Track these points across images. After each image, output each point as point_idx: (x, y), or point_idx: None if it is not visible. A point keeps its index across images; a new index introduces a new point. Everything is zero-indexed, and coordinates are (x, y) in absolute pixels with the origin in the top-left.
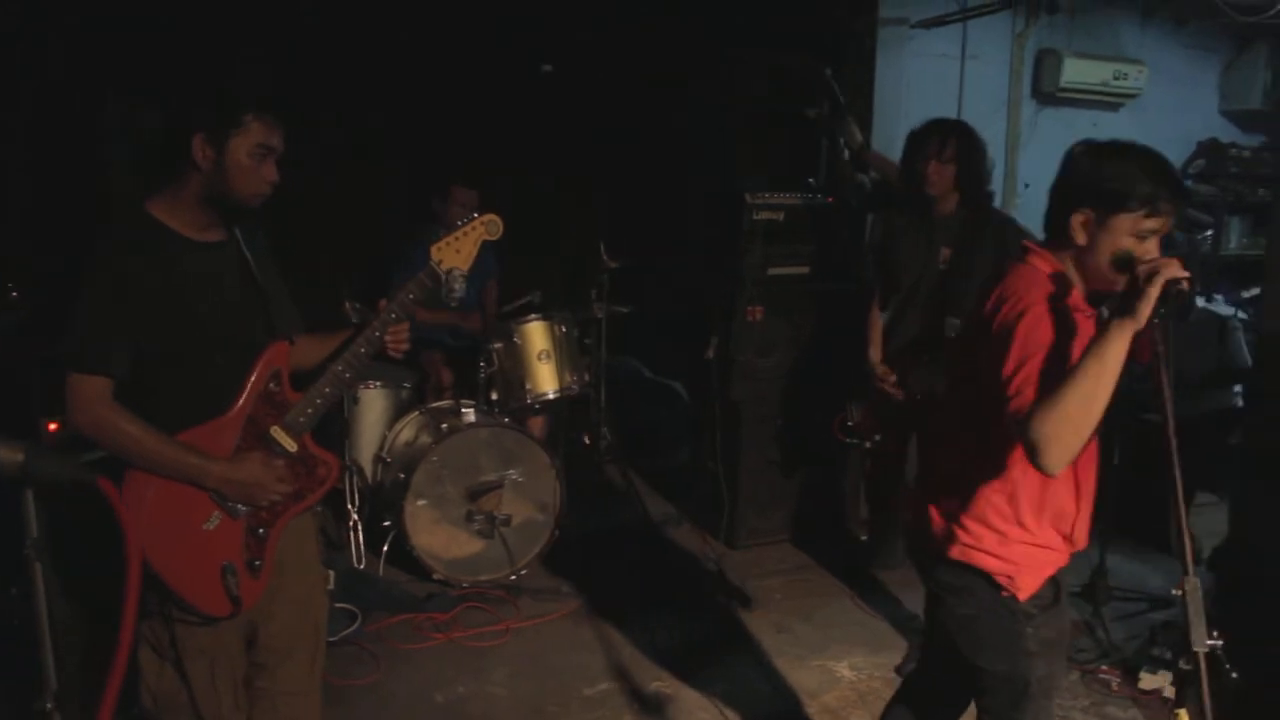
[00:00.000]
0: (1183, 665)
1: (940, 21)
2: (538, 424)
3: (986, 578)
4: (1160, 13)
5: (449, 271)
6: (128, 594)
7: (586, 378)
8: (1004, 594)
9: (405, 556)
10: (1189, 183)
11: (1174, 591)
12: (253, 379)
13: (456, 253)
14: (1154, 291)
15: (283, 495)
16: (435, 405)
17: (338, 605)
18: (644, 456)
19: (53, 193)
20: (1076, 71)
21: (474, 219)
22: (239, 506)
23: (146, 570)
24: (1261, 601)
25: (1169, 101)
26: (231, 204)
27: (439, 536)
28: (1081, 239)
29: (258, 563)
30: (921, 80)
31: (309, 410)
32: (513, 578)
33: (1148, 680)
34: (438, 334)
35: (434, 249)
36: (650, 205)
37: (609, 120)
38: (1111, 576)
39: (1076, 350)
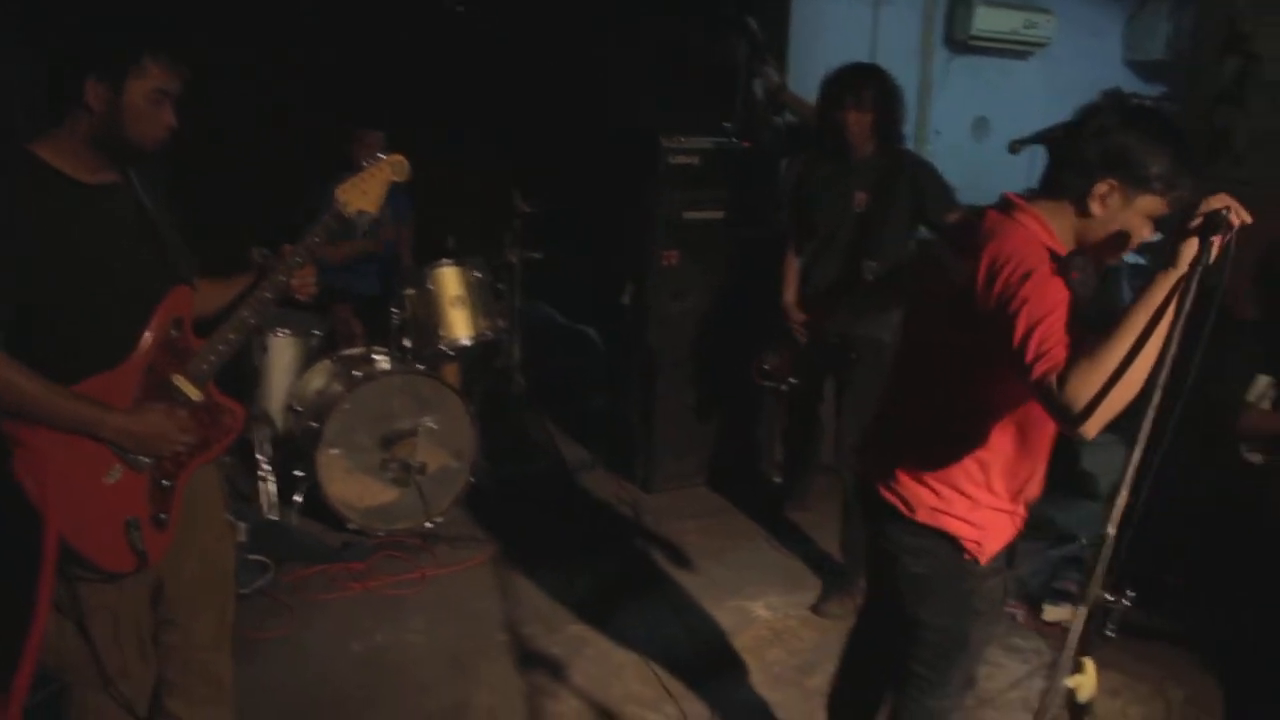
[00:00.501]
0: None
1: None
2: (452, 371)
3: (952, 541)
4: None
5: (357, 213)
6: (44, 557)
7: (501, 324)
8: (966, 558)
9: (319, 506)
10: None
11: (1081, 542)
12: (153, 326)
13: (364, 194)
14: (1194, 239)
15: (186, 446)
16: (347, 353)
17: (250, 557)
18: (558, 403)
19: None
20: (988, 19)
21: (380, 160)
22: (141, 459)
23: (50, 532)
24: (1152, 536)
25: (1076, 51)
26: (126, 148)
27: (353, 485)
28: (1099, 209)
29: (163, 516)
30: (836, 25)
31: (212, 357)
32: (429, 525)
33: (1051, 613)
34: (348, 279)
35: (339, 191)
36: (564, 149)
37: (522, 61)
38: None
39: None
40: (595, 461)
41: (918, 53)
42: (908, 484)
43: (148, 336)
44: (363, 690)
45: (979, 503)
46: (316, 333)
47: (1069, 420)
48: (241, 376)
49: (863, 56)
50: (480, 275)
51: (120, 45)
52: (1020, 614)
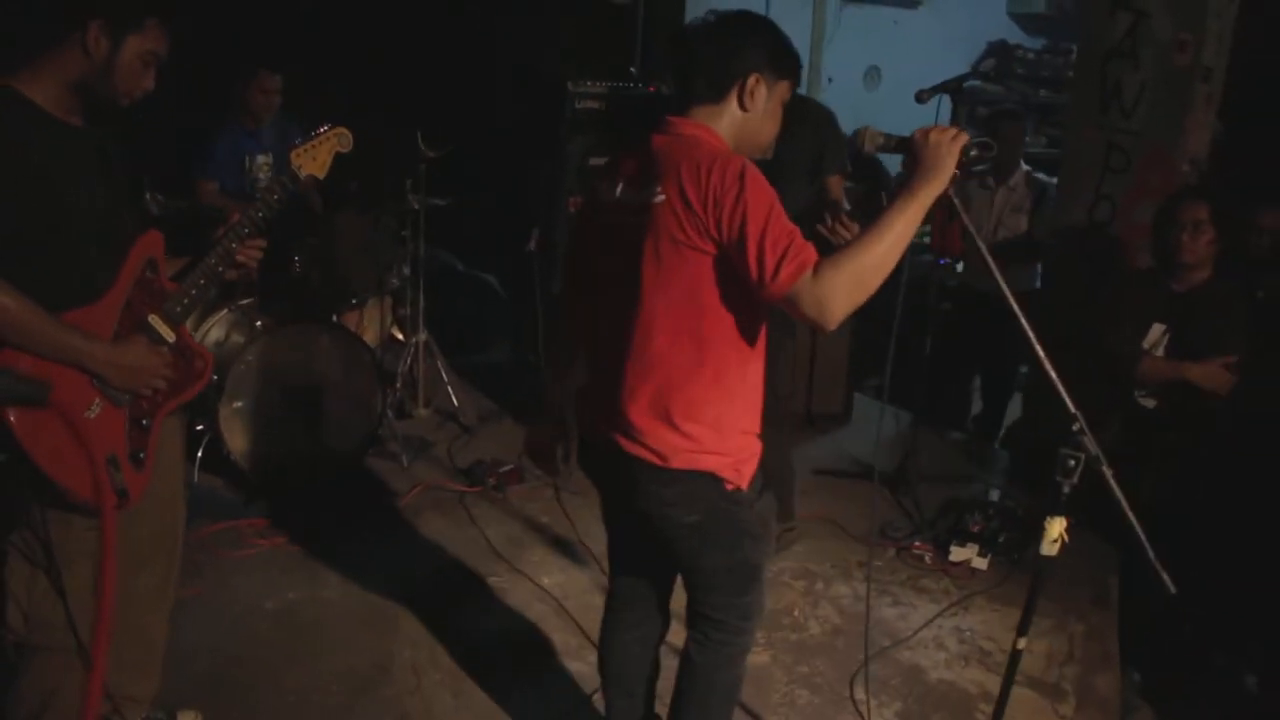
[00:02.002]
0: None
1: None
2: (354, 319)
3: (711, 477)
4: None
5: (308, 178)
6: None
7: (405, 271)
8: (729, 488)
9: (222, 462)
10: (979, 83)
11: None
12: (129, 264)
13: (313, 160)
14: (956, 150)
15: (166, 383)
16: (246, 302)
17: None
18: (460, 352)
19: None
20: None
21: (329, 128)
22: (121, 394)
23: (26, 465)
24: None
25: (963, 2)
26: (103, 100)
27: (256, 439)
28: (749, 102)
29: (141, 454)
30: None
31: (185, 300)
32: (337, 479)
33: (957, 553)
34: None
35: (294, 155)
36: (467, 94)
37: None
38: (919, 458)
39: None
40: (501, 411)
41: (810, 2)
42: (653, 433)
43: (125, 274)
44: (282, 649)
45: (726, 431)
46: (218, 284)
47: (816, 312)
48: None
49: (757, 5)
50: (382, 221)
51: (137, 1)
52: (928, 555)
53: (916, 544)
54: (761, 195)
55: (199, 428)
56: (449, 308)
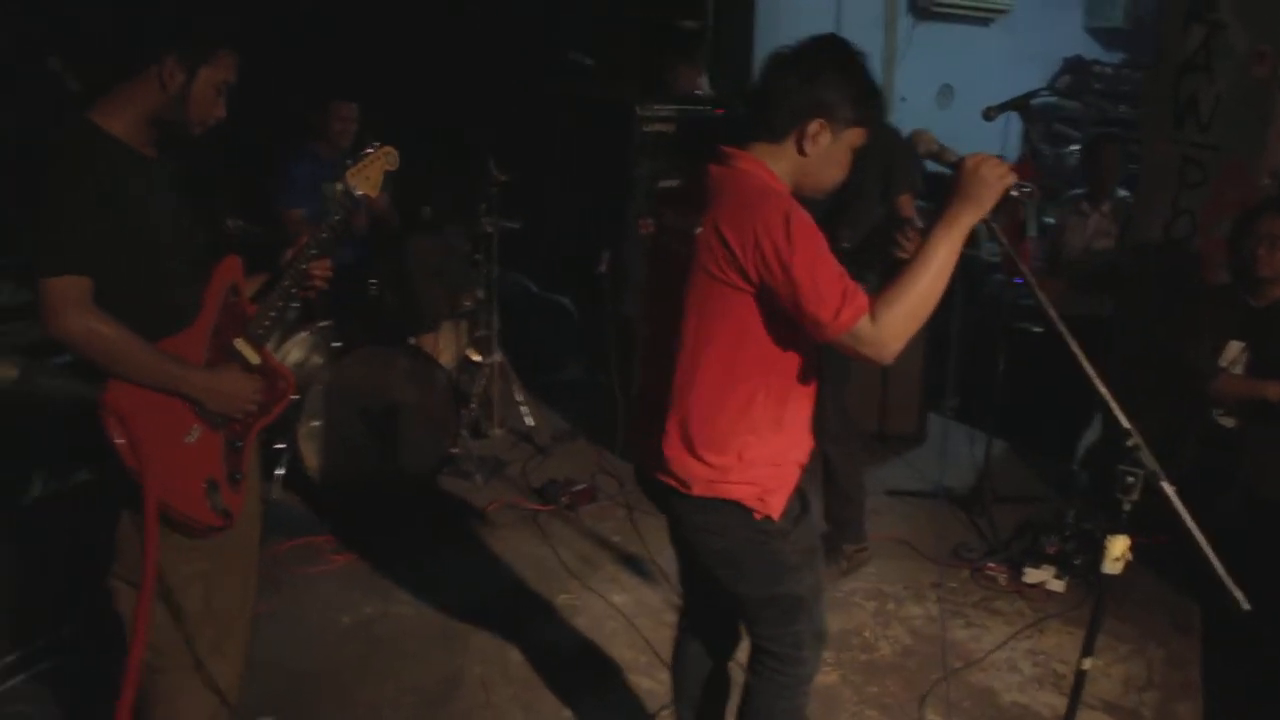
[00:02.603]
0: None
1: None
2: (430, 341)
3: (738, 506)
4: None
5: (363, 196)
6: (147, 531)
7: (478, 293)
8: (757, 517)
9: (301, 479)
10: (1054, 99)
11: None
12: (214, 290)
13: (366, 179)
14: (1001, 189)
15: (258, 406)
16: (325, 324)
17: None
18: (535, 373)
19: None
20: None
21: (378, 147)
22: (218, 418)
23: (135, 493)
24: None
25: (1037, 18)
26: (175, 128)
27: (334, 458)
28: (810, 147)
29: (239, 476)
30: None
31: (265, 323)
32: (412, 497)
33: (1032, 575)
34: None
35: (348, 175)
36: (539, 118)
37: (497, 29)
38: (994, 479)
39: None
40: (574, 431)
41: (882, 21)
42: (678, 460)
43: (211, 299)
44: (355, 663)
45: (752, 461)
46: (295, 305)
47: (881, 353)
48: None
49: (827, 24)
50: (456, 245)
51: (205, 31)
52: (1002, 577)
53: (991, 565)
54: (808, 240)
55: (279, 446)
56: (524, 329)
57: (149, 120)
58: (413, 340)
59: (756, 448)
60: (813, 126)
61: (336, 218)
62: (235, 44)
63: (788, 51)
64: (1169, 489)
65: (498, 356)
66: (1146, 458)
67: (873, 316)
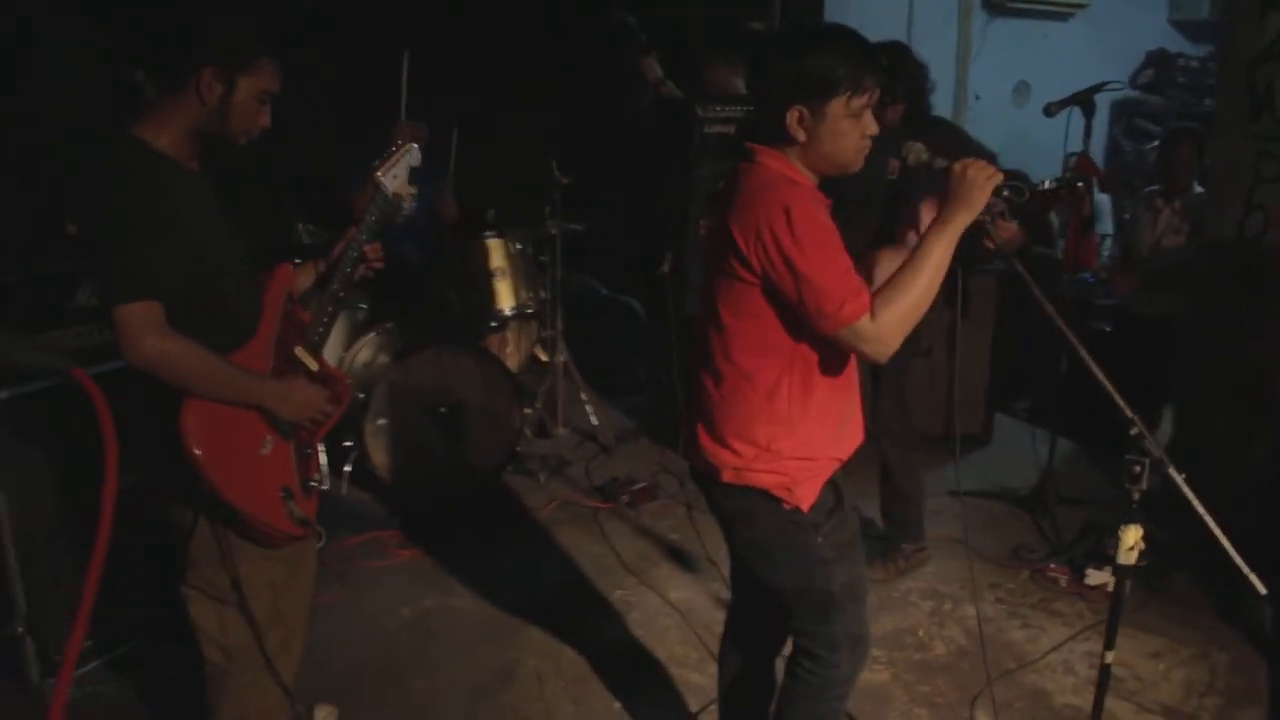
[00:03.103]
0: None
1: None
2: (495, 341)
3: (765, 494)
4: None
5: (395, 193)
6: (104, 501)
7: (542, 295)
8: (786, 507)
9: (367, 476)
10: (1137, 92)
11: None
12: (271, 301)
13: (395, 178)
14: (989, 188)
15: (325, 412)
16: (390, 325)
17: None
18: (601, 373)
19: None
20: None
21: (399, 144)
22: (288, 428)
23: (219, 504)
24: (1205, 500)
25: (1118, 12)
26: (219, 141)
27: (399, 455)
28: (801, 135)
29: (311, 482)
30: None
31: (320, 329)
32: (475, 494)
33: (1094, 577)
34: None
35: (378, 173)
36: (602, 120)
37: (560, 36)
38: (1059, 478)
39: (838, 239)
40: (638, 431)
41: (955, 17)
42: (710, 447)
43: (270, 310)
44: (412, 654)
45: (779, 453)
46: (362, 306)
47: (871, 348)
48: None
49: (899, 21)
50: (521, 247)
51: (241, 41)
52: (1063, 579)
53: (1051, 566)
54: (813, 233)
55: (347, 444)
56: (591, 331)
57: (192, 134)
58: (478, 341)
59: (784, 438)
60: (791, 117)
61: (372, 218)
62: (275, 49)
63: (752, 58)
64: (1178, 477)
65: (562, 357)
66: (1152, 445)
67: (872, 314)
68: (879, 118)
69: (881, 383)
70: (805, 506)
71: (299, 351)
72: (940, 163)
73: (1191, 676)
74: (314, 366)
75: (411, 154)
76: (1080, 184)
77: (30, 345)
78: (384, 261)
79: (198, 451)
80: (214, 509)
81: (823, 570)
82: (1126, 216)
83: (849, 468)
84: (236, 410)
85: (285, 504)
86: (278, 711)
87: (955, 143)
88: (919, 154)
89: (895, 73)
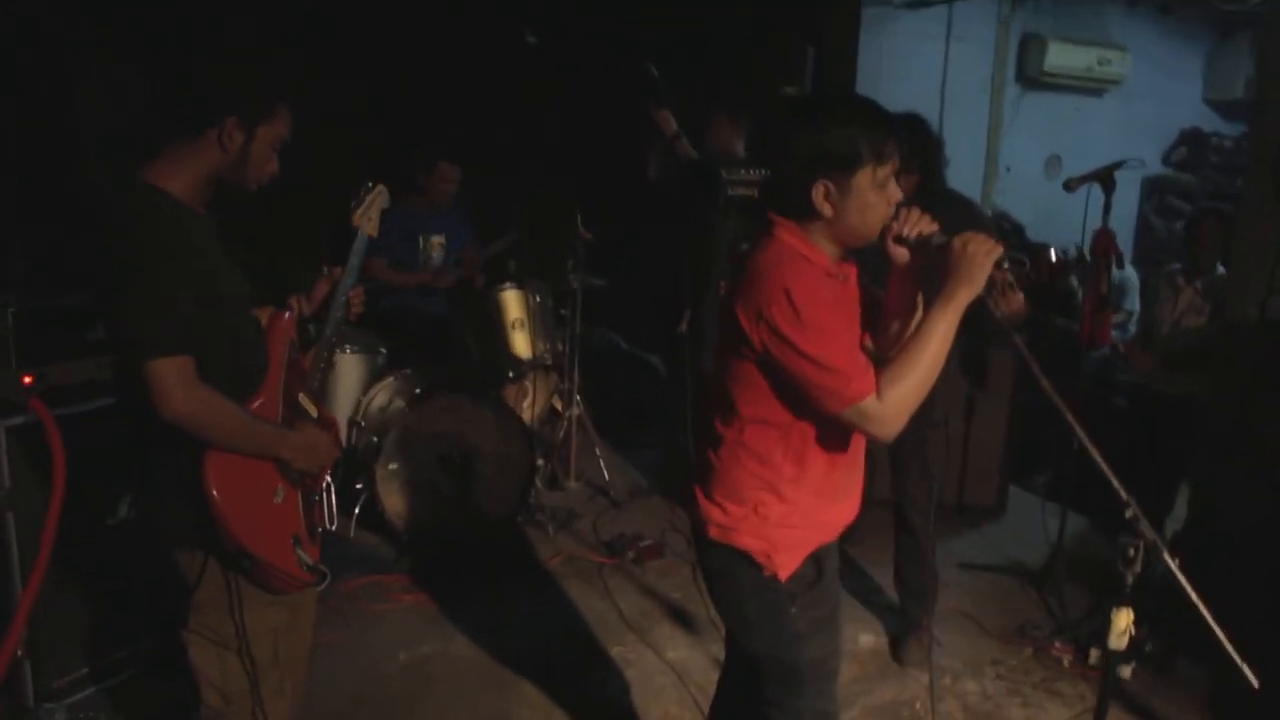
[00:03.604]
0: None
1: (926, 2)
2: (511, 392)
3: (747, 557)
4: None
5: (367, 238)
6: (46, 527)
7: (560, 347)
8: (765, 574)
9: (376, 519)
10: (1170, 170)
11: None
12: (276, 348)
13: (369, 220)
14: (989, 263)
15: (335, 460)
16: (409, 371)
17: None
18: (618, 428)
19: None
20: (1061, 56)
21: (371, 187)
22: (296, 476)
23: (239, 553)
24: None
25: (1153, 88)
26: (233, 188)
27: (409, 500)
28: (828, 210)
29: (319, 529)
30: (906, 61)
31: (318, 376)
32: (483, 543)
33: (1098, 658)
34: (415, 301)
35: (355, 216)
36: (626, 178)
37: (587, 92)
38: (1070, 555)
39: (848, 315)
40: (650, 488)
41: (989, 88)
42: (702, 503)
43: (275, 357)
44: (407, 698)
45: (765, 519)
46: (382, 351)
47: (876, 428)
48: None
49: (933, 93)
50: (540, 299)
51: (264, 91)
52: (1067, 658)
53: (1056, 645)
54: (815, 314)
55: (357, 486)
56: (610, 385)
57: (206, 180)
58: (494, 391)
59: (772, 505)
60: (817, 193)
61: (356, 260)
62: (291, 96)
63: (765, 133)
64: (1171, 561)
65: (576, 410)
66: (1146, 529)
67: (879, 394)
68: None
69: (904, 459)
70: (783, 576)
71: (302, 399)
72: (938, 239)
73: None
74: (314, 413)
75: (383, 196)
76: (1057, 255)
77: None
78: (406, 311)
79: (218, 498)
80: (226, 556)
81: (795, 643)
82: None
83: (859, 535)
84: (252, 460)
85: (295, 551)
86: None
87: (967, 217)
88: (918, 227)
89: (910, 144)
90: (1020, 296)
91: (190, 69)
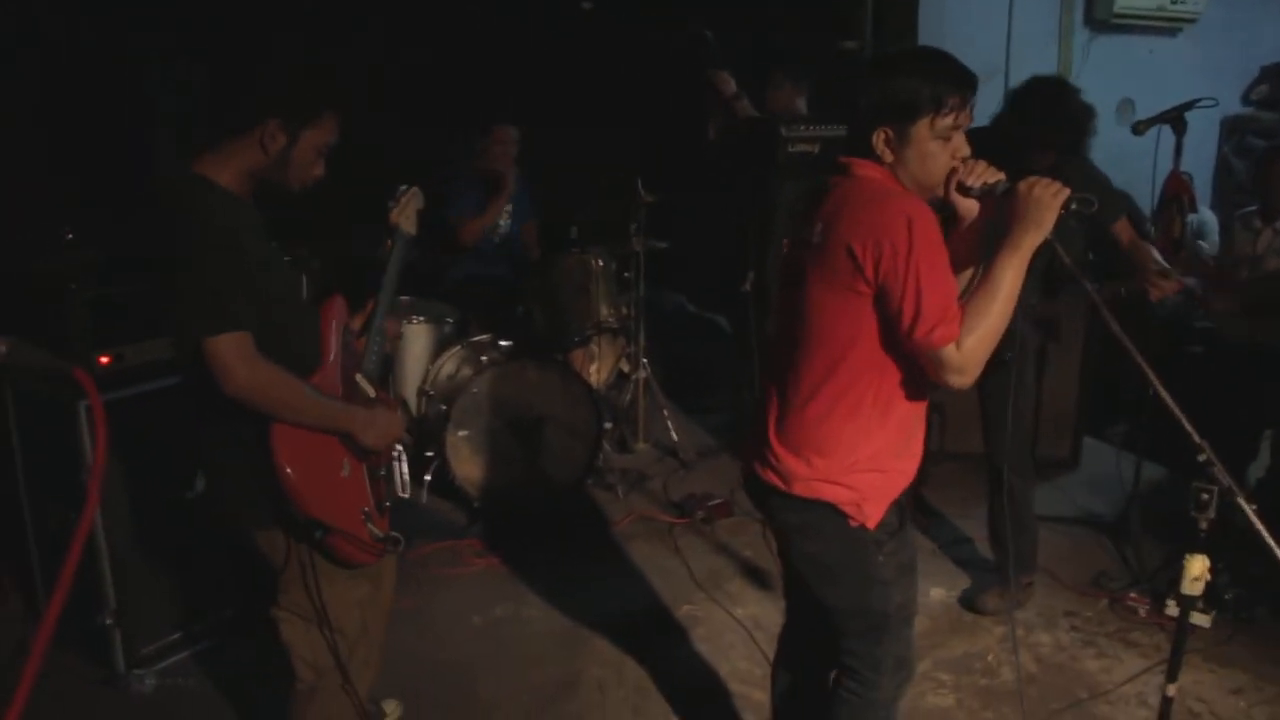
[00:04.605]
0: None
1: None
2: (578, 357)
3: (833, 509)
4: None
5: (406, 235)
6: (89, 492)
7: (625, 311)
8: (852, 524)
9: (448, 486)
10: (1252, 109)
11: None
12: (330, 329)
13: (407, 219)
14: (1057, 205)
15: (401, 438)
16: (476, 339)
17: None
18: (687, 390)
19: (96, 137)
20: None
21: (406, 189)
22: (363, 452)
23: (311, 524)
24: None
25: (1230, 24)
26: (275, 188)
27: (480, 466)
28: (889, 155)
29: (387, 503)
30: (968, 8)
31: (374, 358)
32: (553, 507)
33: (1174, 607)
34: (478, 266)
35: (392, 217)
36: (688, 137)
37: (646, 53)
38: (1146, 505)
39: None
40: (719, 447)
41: (1056, 34)
42: (782, 457)
43: (331, 339)
44: (480, 660)
45: (852, 466)
46: (449, 320)
47: (955, 375)
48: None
49: (999, 41)
50: (604, 263)
51: (309, 97)
52: (1143, 609)
53: (1132, 595)
54: (928, 250)
55: (429, 454)
56: (678, 347)
57: (249, 175)
58: (560, 356)
59: (860, 451)
60: (878, 138)
61: (399, 257)
62: (342, 104)
63: (846, 78)
64: (1247, 506)
65: (643, 373)
66: (1220, 473)
67: (958, 344)
68: (1033, 163)
69: (991, 414)
70: (872, 524)
71: (359, 379)
72: (1002, 185)
73: (1275, 715)
74: (372, 393)
75: (418, 198)
76: (1093, 201)
77: (36, 349)
78: (472, 280)
79: (288, 471)
80: (298, 530)
81: (880, 590)
82: None
83: (927, 486)
84: (318, 435)
85: (366, 525)
86: None
87: (1084, 169)
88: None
89: (1046, 118)
90: (1173, 281)
91: (241, 69)
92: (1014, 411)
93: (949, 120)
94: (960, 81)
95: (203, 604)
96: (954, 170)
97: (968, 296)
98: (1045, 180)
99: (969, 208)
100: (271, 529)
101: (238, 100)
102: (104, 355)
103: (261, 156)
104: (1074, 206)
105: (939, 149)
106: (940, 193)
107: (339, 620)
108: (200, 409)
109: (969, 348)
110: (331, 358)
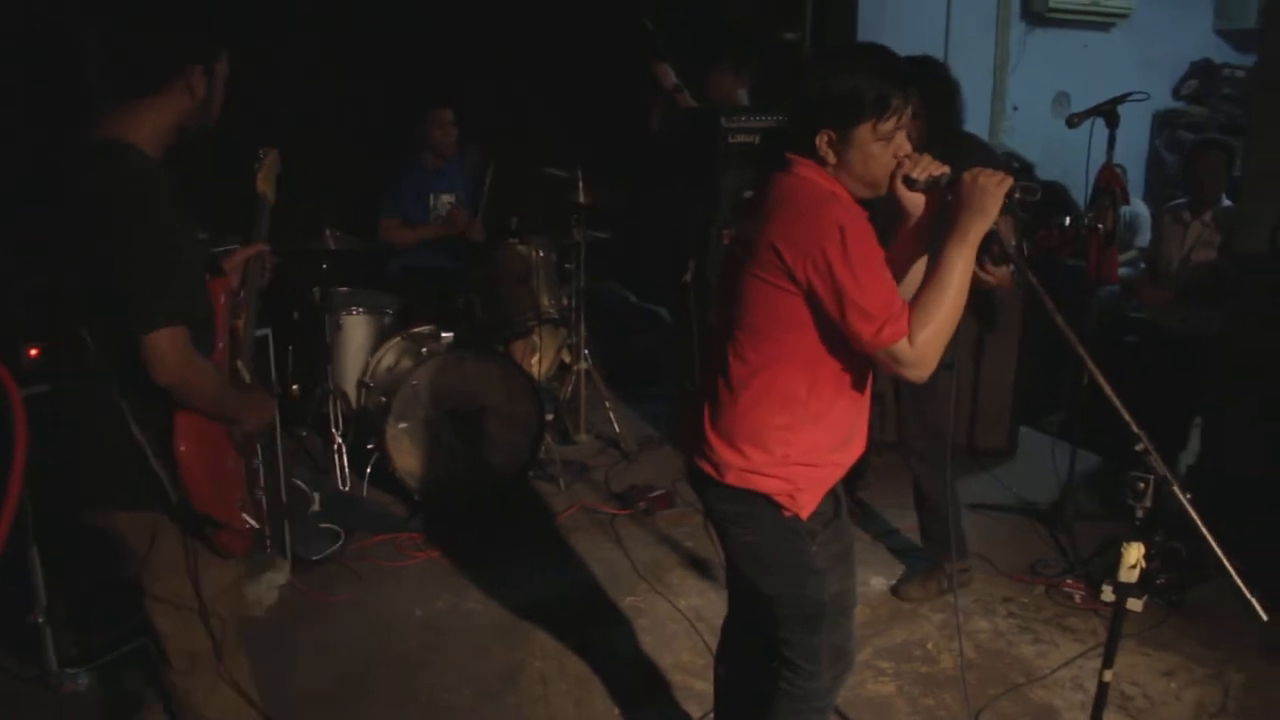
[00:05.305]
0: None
1: None
2: (519, 348)
3: (767, 500)
4: None
5: (268, 203)
6: (10, 481)
7: (565, 302)
8: (786, 514)
9: (388, 478)
10: (1182, 104)
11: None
12: (219, 311)
13: (266, 182)
14: (1001, 193)
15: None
16: (416, 331)
17: (322, 525)
18: (628, 380)
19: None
20: None
21: (266, 151)
22: (241, 440)
23: (204, 519)
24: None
25: (1161, 20)
26: (195, 130)
27: (420, 458)
28: (831, 157)
29: (259, 493)
30: (908, 1)
31: (249, 342)
32: (495, 499)
33: (1109, 594)
34: (427, 257)
35: (259, 181)
36: (629, 129)
37: (588, 42)
38: (1081, 493)
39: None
40: (660, 438)
41: (994, 27)
42: (717, 447)
43: (220, 323)
44: (421, 652)
45: (786, 458)
46: (389, 311)
47: (910, 369)
48: (316, 353)
49: (937, 33)
50: (545, 254)
51: (215, 35)
52: (1078, 595)
53: (1068, 582)
54: (863, 254)
55: (369, 446)
56: (620, 338)
57: (170, 130)
58: (501, 347)
59: (793, 444)
60: (820, 140)
61: (264, 225)
62: (230, 37)
63: (788, 72)
64: (1182, 495)
65: (585, 364)
66: (1156, 463)
67: (910, 339)
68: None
69: (904, 403)
70: (805, 514)
71: (239, 365)
72: (947, 177)
73: (1204, 696)
74: (247, 378)
75: (276, 161)
76: (1035, 188)
77: None
78: (412, 271)
79: (191, 467)
80: (190, 521)
81: (814, 580)
82: None
83: (867, 479)
84: (211, 425)
85: (241, 514)
86: (237, 707)
87: (984, 160)
88: (928, 170)
89: (920, 89)
90: (1004, 269)
91: (150, 28)
92: (914, 404)
93: (891, 123)
94: (903, 81)
95: (136, 601)
96: (898, 166)
97: (920, 290)
98: (989, 170)
99: (915, 202)
100: (139, 512)
101: (158, 56)
102: (34, 348)
103: (189, 103)
104: (1017, 195)
105: (881, 150)
106: (884, 190)
107: (214, 605)
108: (87, 381)
109: (923, 341)
110: (220, 341)
